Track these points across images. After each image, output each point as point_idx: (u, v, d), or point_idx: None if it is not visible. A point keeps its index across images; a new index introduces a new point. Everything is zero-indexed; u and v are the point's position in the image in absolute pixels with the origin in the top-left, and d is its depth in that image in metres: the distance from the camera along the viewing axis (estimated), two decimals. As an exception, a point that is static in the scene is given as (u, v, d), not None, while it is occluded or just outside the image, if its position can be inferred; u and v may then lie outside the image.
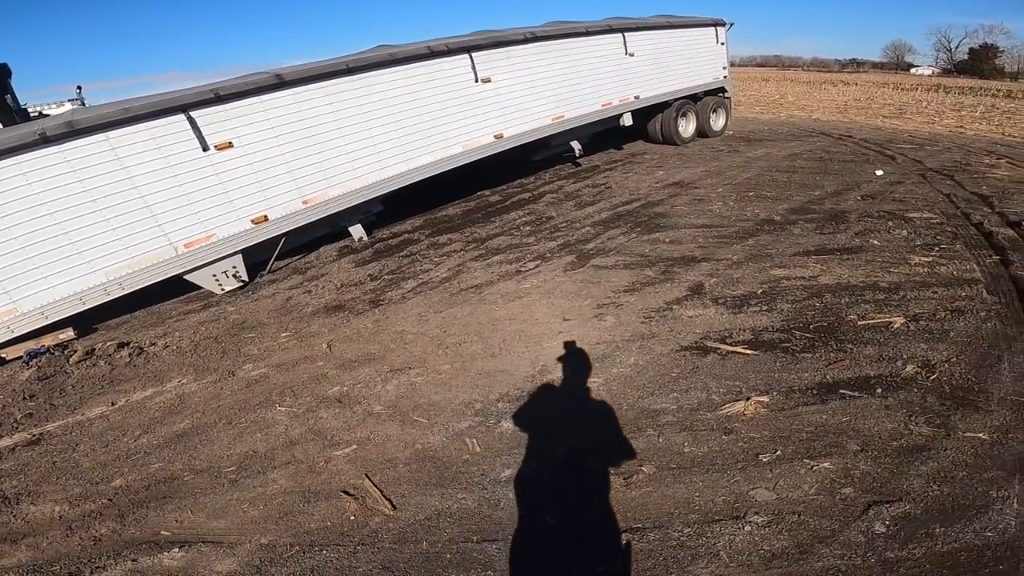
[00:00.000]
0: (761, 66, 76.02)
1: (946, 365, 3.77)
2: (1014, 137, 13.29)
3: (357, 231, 7.36)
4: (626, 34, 9.93)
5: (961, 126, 15.36)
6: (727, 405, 3.52)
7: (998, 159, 10.26)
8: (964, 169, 9.50)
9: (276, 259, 6.76)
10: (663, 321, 4.57)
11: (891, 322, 4.34)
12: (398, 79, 6.99)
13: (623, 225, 6.98)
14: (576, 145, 9.83)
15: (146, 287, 5.70)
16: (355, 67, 6.59)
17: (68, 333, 5.43)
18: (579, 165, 10.59)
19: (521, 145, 8.64)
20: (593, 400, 3.67)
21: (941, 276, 5.13)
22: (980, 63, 57.59)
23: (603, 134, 10.85)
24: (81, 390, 4.52)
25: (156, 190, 5.56)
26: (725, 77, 12.44)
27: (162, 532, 2.90)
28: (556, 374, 3.99)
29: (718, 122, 12.70)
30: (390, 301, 5.46)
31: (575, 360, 4.12)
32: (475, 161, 8.09)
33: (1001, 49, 59.56)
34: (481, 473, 3.14)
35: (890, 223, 6.64)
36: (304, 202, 6.51)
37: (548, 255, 6.21)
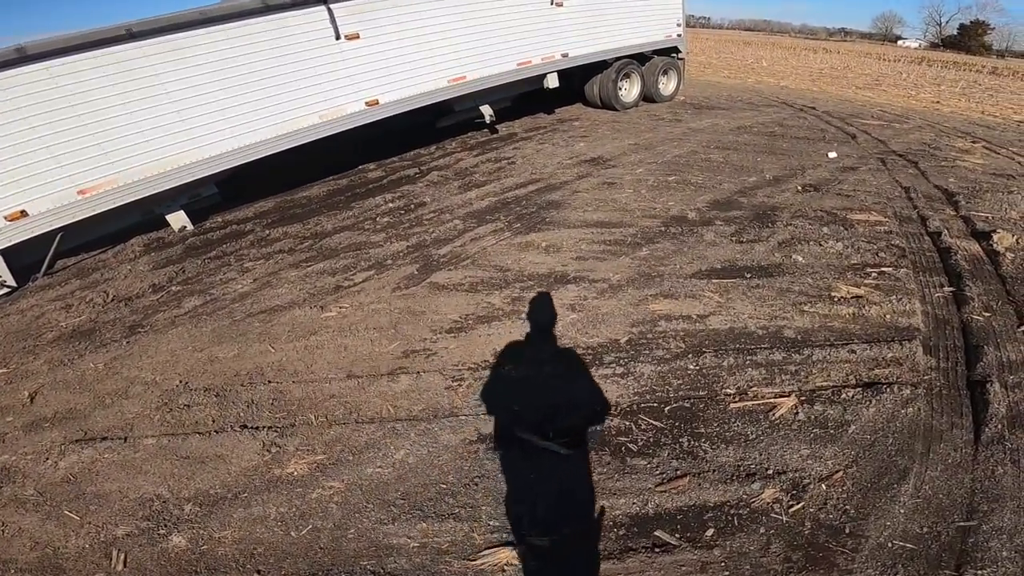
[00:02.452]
0: (749, 30, 72.77)
1: (822, 487, 2.63)
2: (994, 117, 11.94)
3: (178, 220, 5.95)
4: None
5: (938, 101, 13.93)
6: (487, 553, 2.36)
7: (973, 143, 8.97)
8: (932, 154, 8.21)
9: (63, 255, 5.40)
10: (475, 387, 3.35)
11: (776, 404, 3.15)
12: (219, 41, 5.42)
13: (502, 219, 5.65)
14: (487, 110, 8.32)
15: None
16: (143, 31, 5.01)
17: None
18: (495, 132, 9.11)
19: (411, 112, 7.15)
20: (310, 524, 2.49)
21: (868, 322, 3.93)
22: (968, 39, 54.49)
23: (534, 96, 9.29)
24: None
25: None
26: (679, 36, 10.78)
27: None
28: (289, 468, 2.80)
29: (668, 86, 11.15)
30: (152, 327, 4.17)
31: (330, 445, 2.92)
32: (350, 131, 6.62)
33: (992, 26, 56.73)
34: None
35: (825, 229, 5.41)
36: (80, 192, 5.07)
37: (388, 262, 4.91)
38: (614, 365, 3.50)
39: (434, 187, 6.67)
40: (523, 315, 4.02)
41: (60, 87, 4.77)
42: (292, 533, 2.48)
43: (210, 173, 5.75)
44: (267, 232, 5.71)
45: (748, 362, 3.51)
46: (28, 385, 3.56)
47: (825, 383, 3.33)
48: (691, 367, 3.49)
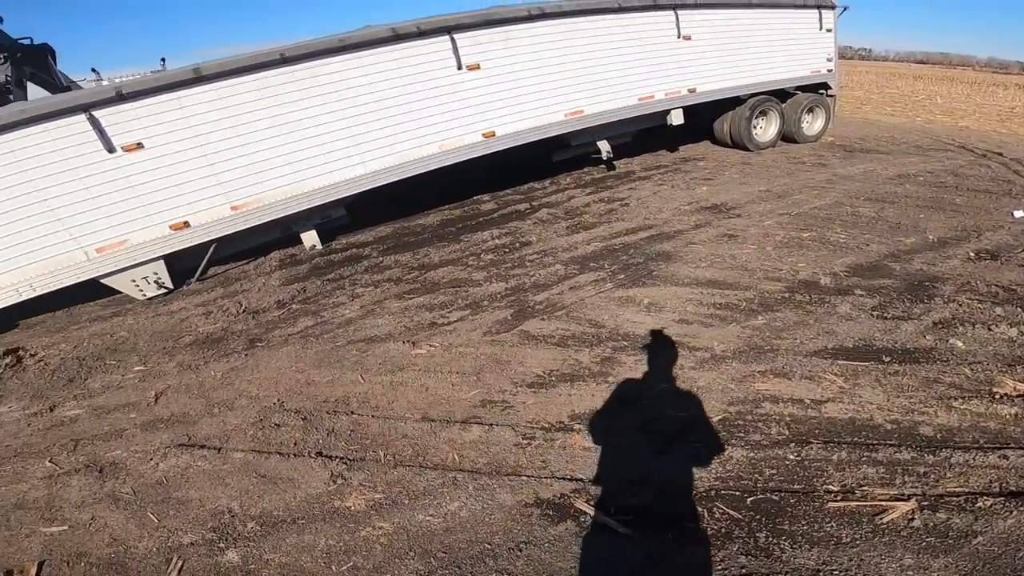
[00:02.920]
0: (921, 63, 64.24)
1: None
2: None
3: (310, 238, 6.56)
4: (681, 12, 7.94)
5: None
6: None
7: None
8: None
9: (213, 264, 6.18)
10: (544, 448, 3.19)
11: (888, 508, 2.61)
12: (352, 68, 5.90)
13: (606, 267, 5.44)
14: (604, 146, 8.16)
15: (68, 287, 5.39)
16: (292, 56, 5.61)
17: (-26, 330, 5.25)
18: (612, 169, 8.90)
19: (528, 144, 7.24)
20: (352, 562, 2.48)
21: (1035, 434, 3.15)
22: None
23: (657, 131, 8.97)
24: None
25: (60, 194, 5.11)
26: (830, 71, 9.78)
27: None
28: (348, 501, 2.84)
29: (813, 125, 10.13)
30: (268, 344, 4.58)
31: (391, 485, 2.93)
32: (468, 161, 6.87)
33: None
34: None
35: (998, 310, 4.47)
36: (234, 208, 5.78)
37: (484, 303, 4.94)
38: (700, 445, 3.14)
39: (542, 226, 6.65)
40: (610, 378, 3.78)
41: (224, 108, 5.47)
42: (333, 567, 2.51)
43: (339, 197, 6.25)
44: (380, 259, 6.06)
45: (864, 458, 2.98)
46: (157, 385, 4.07)
47: (959, 489, 2.72)
48: (791, 457, 3.02)
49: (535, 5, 6.80)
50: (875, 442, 3.11)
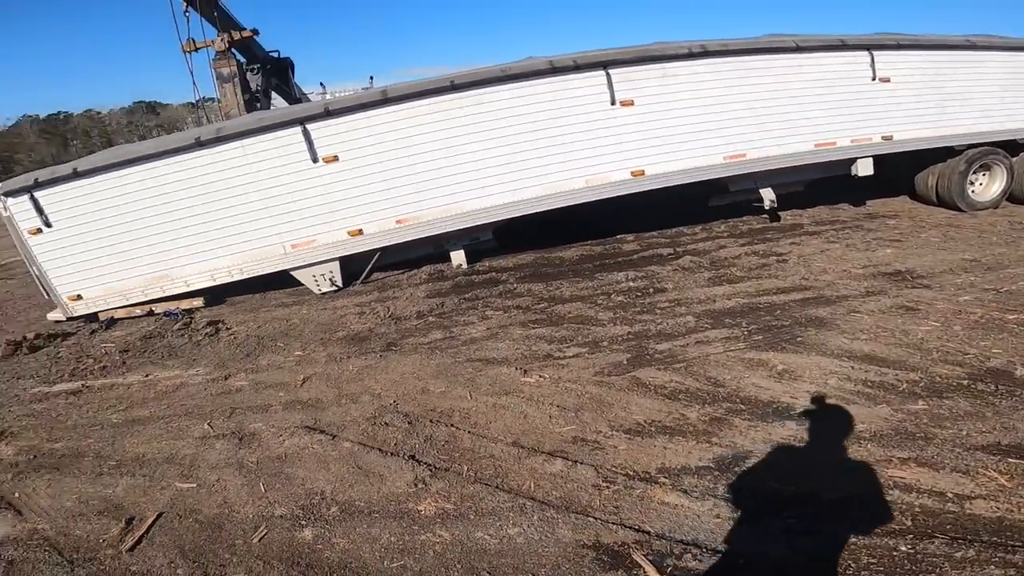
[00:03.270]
0: None
1: None
2: None
3: (457, 257, 7.13)
4: (878, 53, 7.07)
5: None
6: None
7: None
8: None
9: (376, 270, 7.05)
10: (622, 494, 3.05)
11: None
12: (511, 98, 6.34)
13: (743, 325, 5.02)
14: (768, 195, 7.55)
15: (264, 275, 6.62)
16: (461, 84, 6.22)
17: (199, 302, 6.68)
18: (776, 220, 8.16)
19: (682, 185, 7.03)
20: (403, 562, 2.66)
21: None
22: None
23: (840, 181, 8.02)
24: (147, 356, 5.48)
25: (274, 195, 6.31)
26: (1079, 120, 7.86)
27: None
28: (421, 505, 3.03)
29: (1056, 186, 8.17)
30: (400, 349, 5.08)
31: (463, 499, 3.07)
32: (616, 198, 6.91)
33: None
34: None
35: None
36: (398, 221, 6.56)
37: (603, 344, 4.89)
38: (795, 521, 2.75)
39: (682, 273, 6.36)
40: (714, 439, 3.48)
41: (401, 128, 6.27)
42: (384, 562, 2.70)
43: (489, 221, 6.72)
44: (515, 285, 6.35)
45: (995, 559, 2.40)
46: (307, 371, 4.77)
47: None
48: (902, 548, 2.52)
49: (697, 43, 6.64)
50: (1019, 543, 2.47)
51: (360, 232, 6.53)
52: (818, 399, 3.86)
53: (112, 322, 6.49)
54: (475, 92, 6.28)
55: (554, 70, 6.38)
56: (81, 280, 6.47)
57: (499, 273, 6.82)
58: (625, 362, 4.56)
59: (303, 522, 3.06)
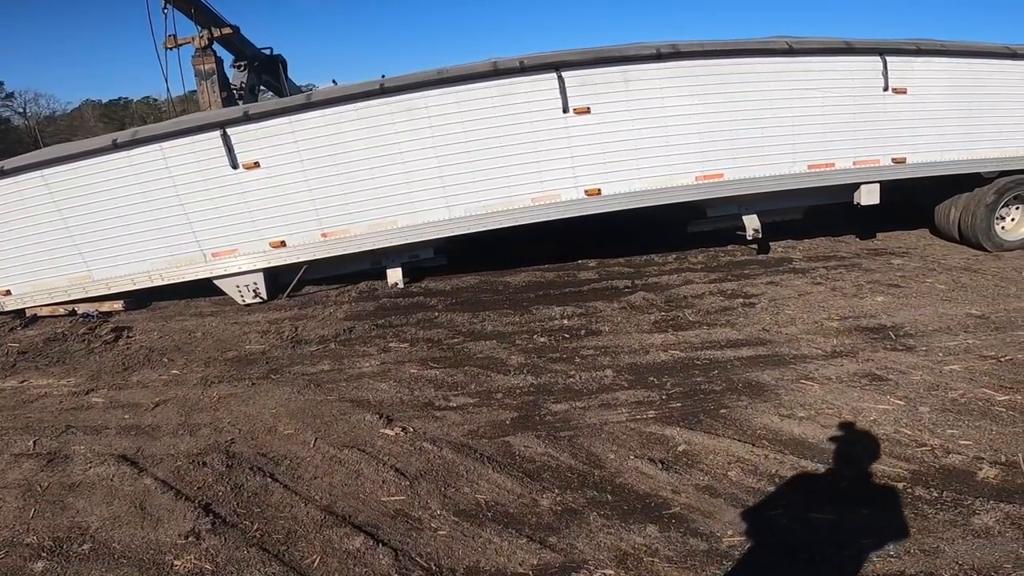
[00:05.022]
0: None
1: None
2: None
3: (394, 275, 6.58)
4: (891, 58, 6.07)
5: None
6: None
7: None
8: None
9: (309, 283, 6.62)
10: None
11: None
12: (446, 103, 5.71)
13: (665, 387, 4.22)
14: (752, 222, 6.62)
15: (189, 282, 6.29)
16: (391, 88, 5.65)
17: (118, 305, 6.41)
18: (765, 251, 7.21)
19: (636, 209, 6.24)
20: None
21: None
22: None
23: (852, 208, 6.94)
24: (38, 360, 5.22)
25: (192, 200, 5.96)
26: None
27: None
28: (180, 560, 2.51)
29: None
30: (280, 378, 4.60)
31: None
32: (567, 219, 6.19)
33: None
34: None
35: None
36: (323, 235, 6.08)
37: (496, 396, 4.21)
38: None
39: (627, 313, 5.57)
40: (551, 539, 2.76)
41: (326, 135, 5.74)
42: None
43: (423, 240, 6.14)
44: (438, 314, 5.73)
45: None
46: (169, 393, 4.40)
47: None
48: None
49: (667, 43, 5.81)
50: None
51: (283, 244, 6.09)
52: (703, 497, 3.08)
53: (33, 320, 6.31)
54: (406, 97, 5.71)
55: (497, 72, 5.71)
56: (11, 275, 6.32)
57: (430, 297, 6.23)
58: (508, 422, 3.88)
59: (43, 554, 2.73)
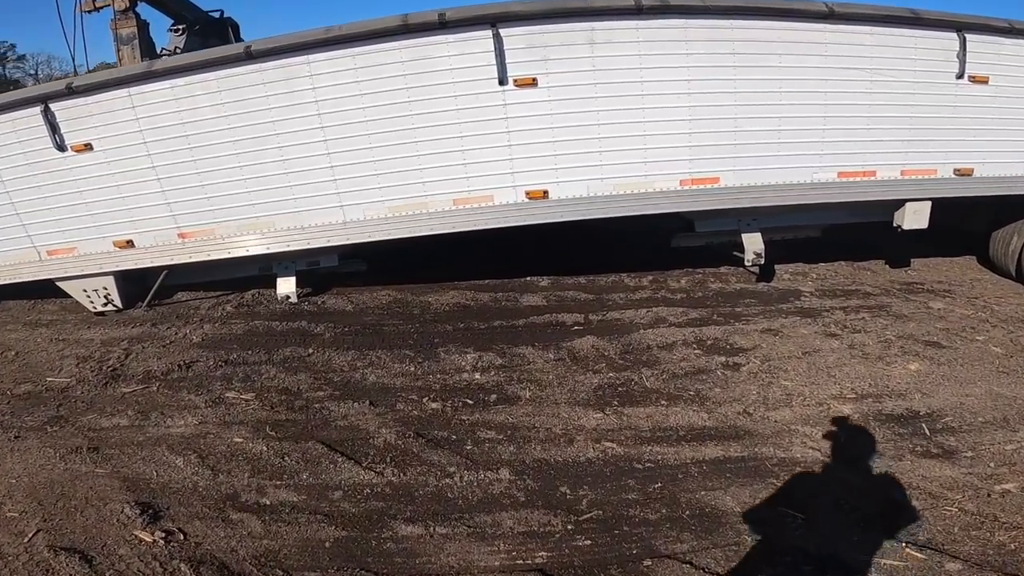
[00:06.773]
0: None
1: None
2: None
3: (284, 286, 5.19)
4: (971, 36, 4.45)
5: None
6: None
7: None
8: None
9: (188, 289, 5.33)
10: None
11: None
12: (337, 71, 4.22)
13: (578, 511, 2.78)
14: (753, 243, 5.09)
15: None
16: (262, 51, 4.18)
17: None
18: (768, 279, 5.65)
19: (595, 220, 4.77)
20: None
21: None
22: None
23: (876, 224, 5.39)
24: None
25: (17, 188, 4.66)
26: None
27: None
28: None
29: None
30: (53, 433, 3.33)
31: None
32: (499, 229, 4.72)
33: None
34: None
35: None
36: (181, 235, 4.71)
37: (329, 498, 2.85)
38: None
39: (563, 369, 4.10)
40: None
41: (177, 111, 4.36)
42: None
43: (312, 247, 4.76)
44: (314, 350, 4.34)
45: None
46: None
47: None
48: None
49: None
50: None
51: (130, 244, 4.74)
52: None
53: None
54: (284, 63, 4.21)
55: (408, 29, 4.16)
56: None
57: (317, 322, 4.82)
58: (327, 546, 2.54)
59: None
